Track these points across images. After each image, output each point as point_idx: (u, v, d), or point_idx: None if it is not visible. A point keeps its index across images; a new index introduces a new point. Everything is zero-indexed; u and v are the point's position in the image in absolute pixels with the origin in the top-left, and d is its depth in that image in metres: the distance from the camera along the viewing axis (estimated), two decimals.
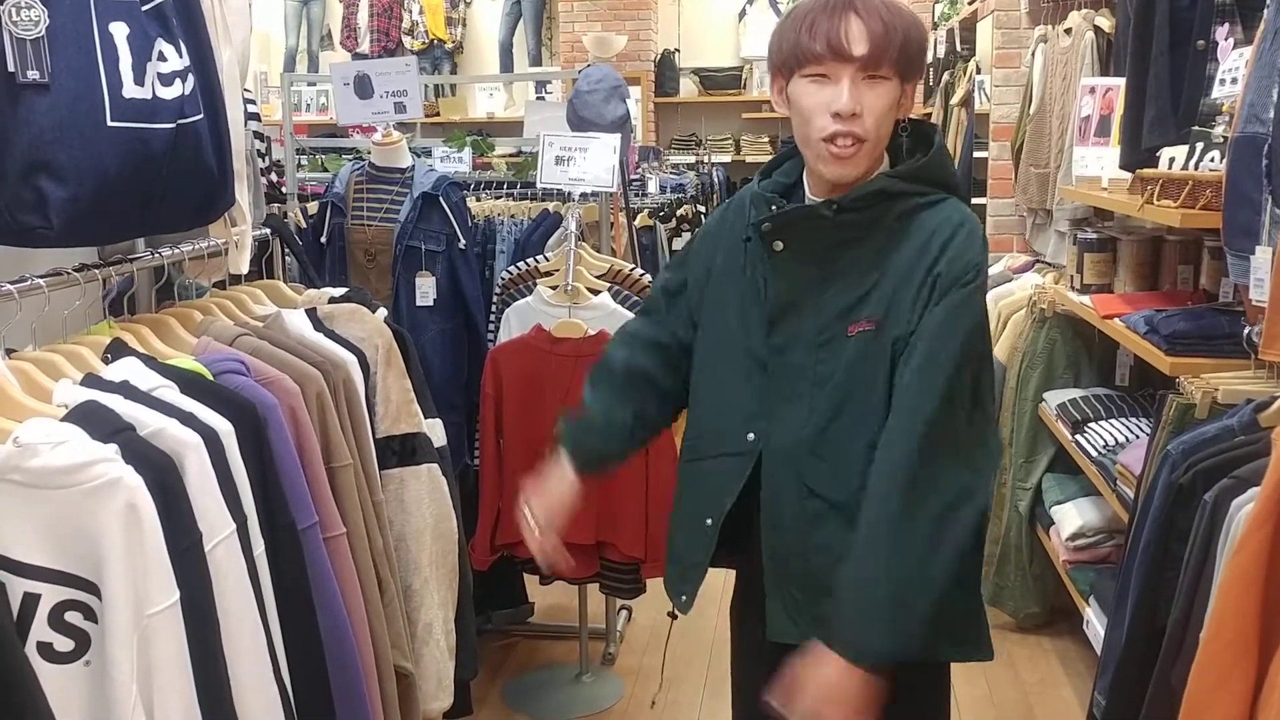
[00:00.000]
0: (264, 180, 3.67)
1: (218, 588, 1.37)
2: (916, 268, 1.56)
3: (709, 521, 1.70)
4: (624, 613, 3.65)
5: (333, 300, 2.01)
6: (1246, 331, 2.20)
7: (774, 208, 1.63)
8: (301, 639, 1.53)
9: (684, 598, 1.76)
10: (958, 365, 1.52)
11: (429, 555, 1.93)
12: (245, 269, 1.85)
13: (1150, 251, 3.09)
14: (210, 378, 1.57)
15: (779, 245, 1.62)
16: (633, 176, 5.72)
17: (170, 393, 1.47)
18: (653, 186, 5.90)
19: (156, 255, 1.74)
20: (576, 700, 3.19)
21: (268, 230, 2.13)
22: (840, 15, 1.51)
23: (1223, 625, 1.23)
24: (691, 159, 7.89)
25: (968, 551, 1.56)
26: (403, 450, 1.92)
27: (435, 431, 2.02)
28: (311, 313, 1.91)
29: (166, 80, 1.53)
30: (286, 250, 2.19)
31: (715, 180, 7.38)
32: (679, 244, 5.35)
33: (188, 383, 1.51)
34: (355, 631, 1.67)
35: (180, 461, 1.36)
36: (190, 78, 1.59)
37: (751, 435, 1.65)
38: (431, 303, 2.98)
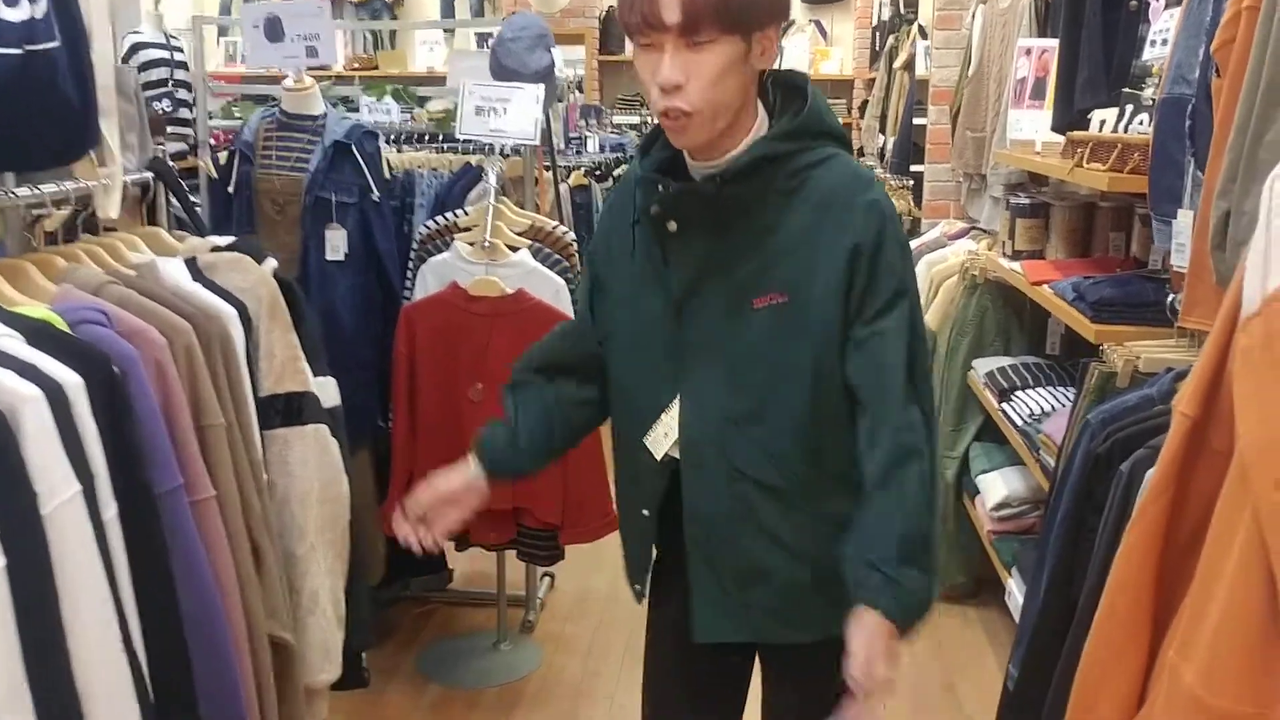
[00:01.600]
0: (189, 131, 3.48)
1: (57, 552, 1.27)
2: (833, 244, 1.47)
3: (645, 512, 1.65)
4: (546, 579, 3.57)
5: (217, 249, 1.89)
6: (1170, 299, 2.15)
7: (660, 187, 1.53)
8: (158, 607, 1.43)
9: (638, 587, 1.72)
10: (914, 356, 1.50)
11: (315, 520, 1.83)
12: (115, 213, 1.73)
13: (1082, 218, 3.04)
14: (64, 327, 1.45)
15: (673, 226, 1.53)
16: (572, 135, 5.59)
17: (11, 342, 1.35)
18: (592, 145, 5.78)
19: (11, 195, 1.61)
20: (493, 669, 3.11)
21: (150, 175, 2.00)
22: None
23: (1117, 600, 1.16)
24: (636, 119, 7.73)
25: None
26: (287, 410, 1.81)
27: (326, 390, 1.92)
28: (191, 262, 1.80)
29: (10, 1, 1.40)
30: (172, 196, 2.06)
31: None
32: None
33: (34, 332, 1.39)
34: (225, 599, 1.57)
35: (15, 416, 1.25)
36: (43, 0, 1.46)
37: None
38: (343, 257, 2.85)
